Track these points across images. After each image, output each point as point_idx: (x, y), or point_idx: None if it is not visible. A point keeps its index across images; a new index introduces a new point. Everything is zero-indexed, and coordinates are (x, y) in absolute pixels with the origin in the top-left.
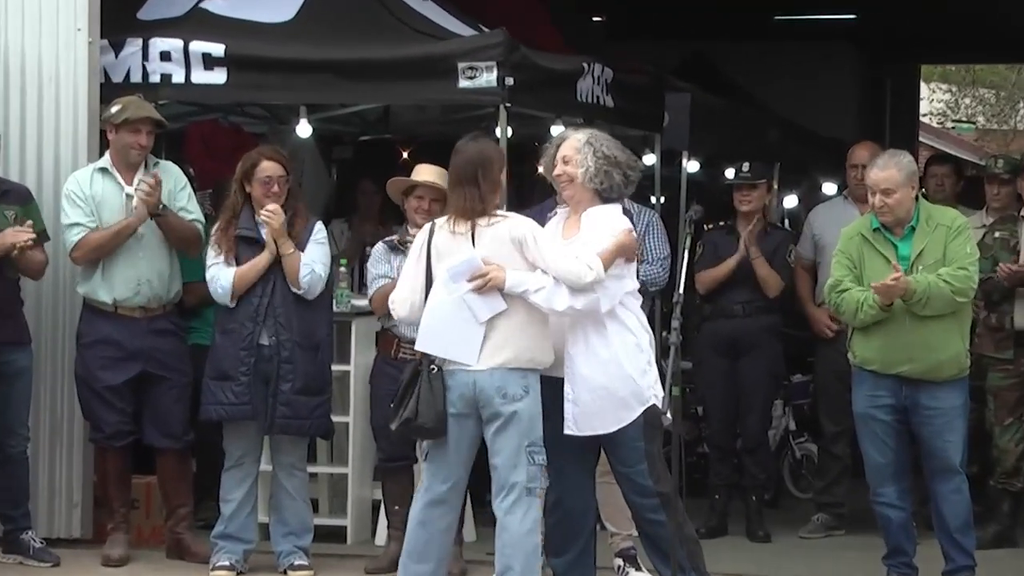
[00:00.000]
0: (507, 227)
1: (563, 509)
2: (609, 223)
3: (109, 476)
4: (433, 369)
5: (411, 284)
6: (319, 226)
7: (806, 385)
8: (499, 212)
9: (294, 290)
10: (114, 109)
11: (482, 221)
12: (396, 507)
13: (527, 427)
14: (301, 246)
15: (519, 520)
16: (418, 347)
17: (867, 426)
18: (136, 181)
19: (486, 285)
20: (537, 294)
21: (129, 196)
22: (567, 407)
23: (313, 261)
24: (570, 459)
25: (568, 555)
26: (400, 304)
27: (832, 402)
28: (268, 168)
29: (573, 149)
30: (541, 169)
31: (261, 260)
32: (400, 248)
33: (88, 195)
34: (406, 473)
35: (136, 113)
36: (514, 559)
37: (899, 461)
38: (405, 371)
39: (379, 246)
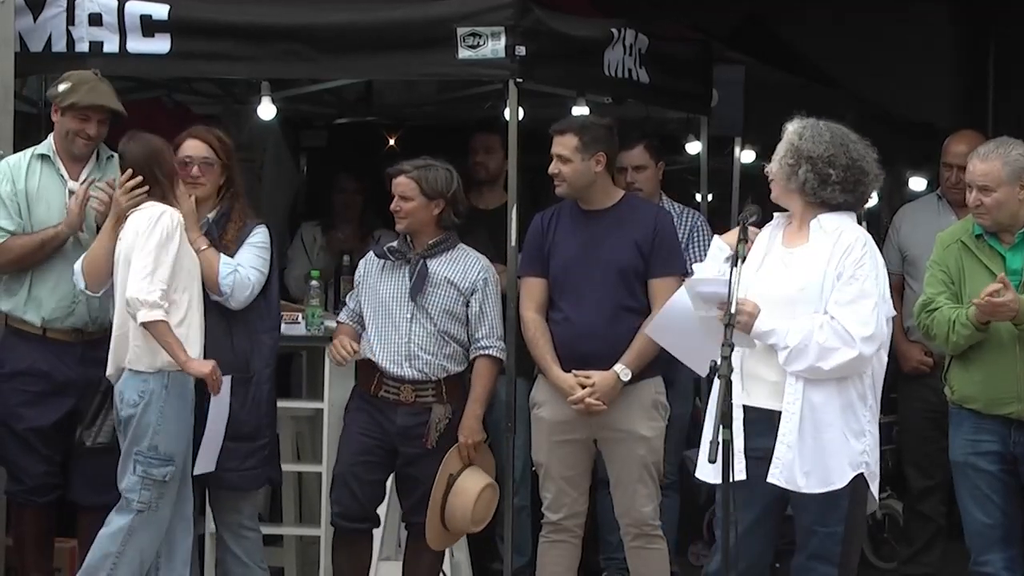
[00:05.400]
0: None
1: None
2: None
3: (27, 540)
4: None
5: None
6: (259, 230)
7: (888, 428)
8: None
9: (214, 297)
10: (61, 88)
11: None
12: None
13: (137, 434)
14: (232, 255)
15: (108, 525)
16: (650, 333)
17: (967, 478)
18: (82, 179)
19: (733, 323)
20: (782, 352)
21: (73, 193)
22: (779, 449)
23: (239, 264)
24: (750, 512)
25: None
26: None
27: (921, 449)
28: (189, 147)
29: (781, 143)
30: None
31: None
32: (390, 257)
33: (16, 190)
34: (361, 542)
35: (86, 99)
36: (92, 553)
37: (1007, 522)
38: (103, 384)
39: (368, 258)
